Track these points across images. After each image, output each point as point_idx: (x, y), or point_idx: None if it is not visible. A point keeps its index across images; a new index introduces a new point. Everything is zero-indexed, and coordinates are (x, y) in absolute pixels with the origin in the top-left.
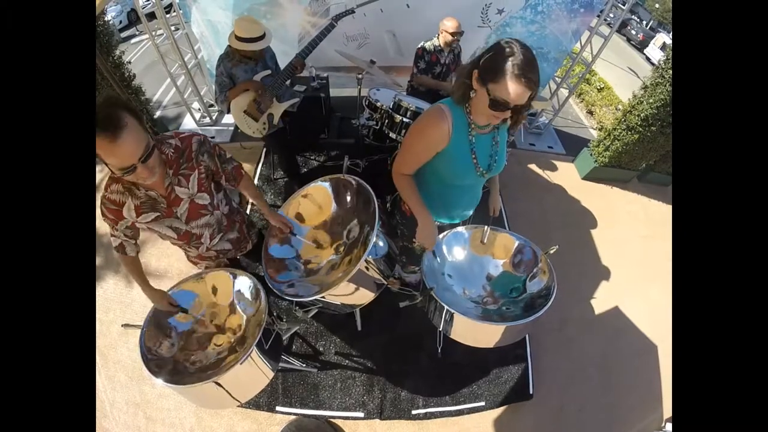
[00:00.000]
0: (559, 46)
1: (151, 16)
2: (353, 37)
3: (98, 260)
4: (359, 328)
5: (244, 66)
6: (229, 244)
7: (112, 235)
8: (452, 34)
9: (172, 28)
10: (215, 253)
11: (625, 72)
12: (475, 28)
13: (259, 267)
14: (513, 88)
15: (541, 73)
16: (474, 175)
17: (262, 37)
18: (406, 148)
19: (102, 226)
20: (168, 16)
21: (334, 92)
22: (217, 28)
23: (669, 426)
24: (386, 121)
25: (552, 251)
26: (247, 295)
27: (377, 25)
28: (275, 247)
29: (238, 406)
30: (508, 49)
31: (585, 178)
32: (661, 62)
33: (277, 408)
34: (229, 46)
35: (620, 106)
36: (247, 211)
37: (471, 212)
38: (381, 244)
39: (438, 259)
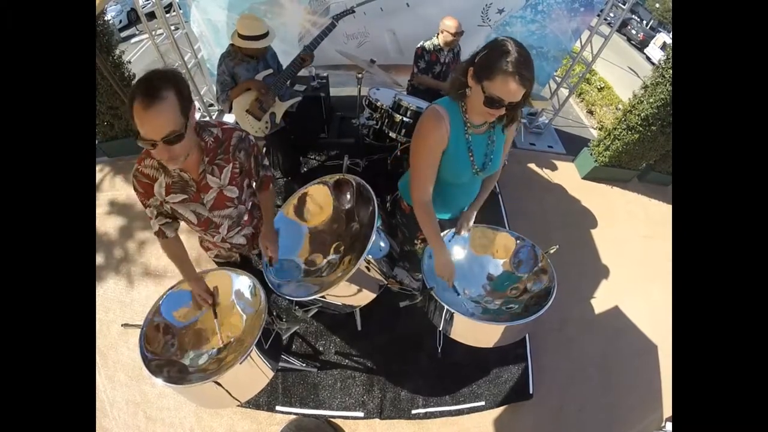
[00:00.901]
0: (559, 45)
1: (151, 15)
2: (353, 36)
3: (98, 260)
4: (359, 328)
5: (246, 65)
6: (243, 239)
7: (149, 218)
8: (453, 34)
9: (172, 27)
10: (229, 245)
11: (625, 72)
12: (476, 27)
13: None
14: (507, 86)
15: (541, 72)
16: (470, 173)
17: (265, 35)
18: (416, 161)
19: (102, 226)
20: (168, 15)
21: (333, 91)
22: (217, 27)
23: (669, 426)
24: (386, 120)
25: (552, 251)
26: (247, 294)
27: (377, 24)
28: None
29: (238, 406)
30: (503, 47)
31: (585, 178)
32: (662, 62)
33: (277, 408)
34: (231, 44)
35: (620, 106)
36: None
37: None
38: (381, 243)
39: (461, 295)
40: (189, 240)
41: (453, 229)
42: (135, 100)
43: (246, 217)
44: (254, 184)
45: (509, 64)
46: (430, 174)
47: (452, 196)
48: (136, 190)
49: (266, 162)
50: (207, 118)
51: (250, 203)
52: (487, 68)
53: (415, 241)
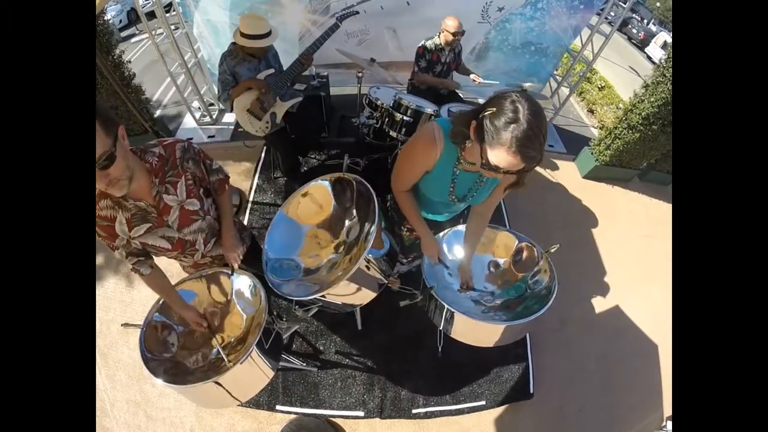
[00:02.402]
0: (559, 41)
1: (151, 15)
2: (353, 34)
3: (98, 260)
4: (359, 327)
5: (247, 64)
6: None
7: (122, 259)
8: (453, 33)
9: (172, 27)
10: (210, 259)
11: (626, 71)
12: (476, 25)
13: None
14: (507, 160)
15: (541, 69)
16: (446, 198)
17: (268, 34)
18: (399, 166)
19: None
20: (168, 15)
21: (334, 90)
22: (216, 28)
23: (669, 425)
24: (386, 119)
25: (553, 250)
26: (247, 294)
27: (377, 22)
28: (274, 247)
29: (239, 406)
30: (512, 114)
31: (586, 177)
32: (662, 61)
33: (278, 407)
34: (233, 43)
35: (621, 105)
36: (246, 216)
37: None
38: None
39: (449, 269)
40: (173, 263)
41: (453, 229)
42: None
43: (217, 226)
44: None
45: (514, 140)
46: (409, 181)
47: (433, 206)
48: (99, 236)
49: (216, 165)
50: (207, 118)
51: (217, 212)
52: (489, 134)
53: (403, 228)
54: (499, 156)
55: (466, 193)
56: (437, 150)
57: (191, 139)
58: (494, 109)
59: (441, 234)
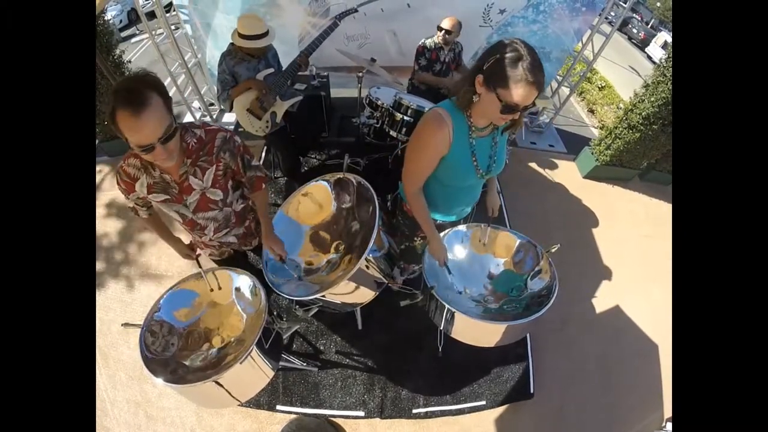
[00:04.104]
0: (561, 45)
1: (151, 15)
2: (353, 37)
3: (99, 259)
4: (360, 327)
5: (246, 64)
6: (234, 238)
7: (127, 198)
8: (447, 31)
9: (172, 27)
10: (218, 243)
11: (626, 70)
12: (477, 29)
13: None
14: (524, 92)
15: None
16: (474, 176)
17: (265, 34)
18: (411, 161)
19: (102, 225)
20: (168, 15)
21: (334, 92)
22: (215, 31)
23: (669, 426)
24: (387, 119)
25: (553, 250)
26: (247, 294)
27: (378, 25)
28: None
29: (239, 406)
30: (514, 53)
31: (586, 177)
32: (663, 60)
33: (278, 407)
34: (231, 43)
35: (621, 105)
36: None
37: (470, 209)
38: (381, 242)
39: (451, 275)
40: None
41: (453, 229)
42: (120, 111)
43: (234, 219)
44: (246, 185)
45: (526, 72)
46: (422, 175)
47: (455, 197)
48: (118, 184)
49: (255, 162)
50: (207, 118)
51: (241, 205)
52: (501, 76)
53: (415, 239)
54: (517, 90)
55: (488, 162)
56: (448, 128)
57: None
58: (497, 55)
59: (441, 234)
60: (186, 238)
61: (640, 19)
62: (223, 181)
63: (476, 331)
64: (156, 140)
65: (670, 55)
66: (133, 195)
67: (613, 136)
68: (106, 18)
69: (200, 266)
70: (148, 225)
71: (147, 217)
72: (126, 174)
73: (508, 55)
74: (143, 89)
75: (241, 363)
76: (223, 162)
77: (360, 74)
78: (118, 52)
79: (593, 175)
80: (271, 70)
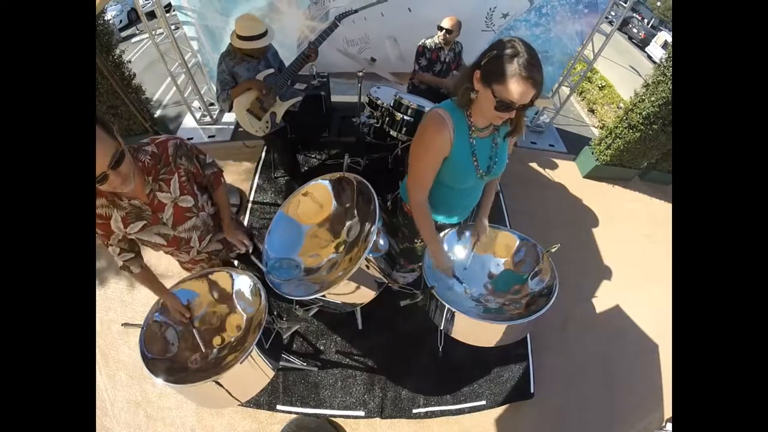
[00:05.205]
0: (564, 48)
1: (151, 15)
2: (354, 42)
3: (99, 259)
4: (360, 327)
5: (246, 64)
6: (219, 244)
7: (113, 255)
8: (445, 29)
9: (172, 27)
10: (206, 255)
11: (626, 70)
12: (480, 33)
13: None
14: (519, 89)
15: (546, 77)
16: (474, 177)
17: (264, 35)
18: (416, 165)
19: None
20: (168, 15)
21: (334, 98)
22: (214, 33)
23: (669, 426)
24: (387, 119)
25: (554, 249)
26: (247, 294)
27: (378, 30)
28: (274, 246)
29: (239, 405)
30: (511, 49)
31: (586, 177)
32: (663, 60)
33: (278, 407)
34: (230, 44)
35: (622, 105)
36: (246, 216)
37: (471, 212)
38: (381, 242)
39: (464, 285)
40: (174, 263)
41: (453, 229)
42: None
43: (212, 223)
44: (207, 184)
45: (521, 67)
46: (429, 178)
47: (455, 199)
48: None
49: (209, 159)
50: (207, 118)
51: (213, 209)
52: (497, 72)
53: (416, 240)
54: (512, 87)
55: (489, 162)
56: (449, 128)
57: (191, 138)
58: (494, 52)
59: (441, 234)
60: (175, 266)
61: (640, 18)
62: (189, 187)
63: (476, 331)
64: (106, 168)
65: (670, 55)
66: (113, 237)
67: (614, 135)
68: (106, 18)
69: (195, 329)
70: (142, 282)
71: (139, 272)
72: (98, 216)
73: (505, 51)
74: None
75: (241, 363)
76: (183, 167)
77: (360, 73)
78: (118, 52)
79: (593, 175)
80: (272, 70)
